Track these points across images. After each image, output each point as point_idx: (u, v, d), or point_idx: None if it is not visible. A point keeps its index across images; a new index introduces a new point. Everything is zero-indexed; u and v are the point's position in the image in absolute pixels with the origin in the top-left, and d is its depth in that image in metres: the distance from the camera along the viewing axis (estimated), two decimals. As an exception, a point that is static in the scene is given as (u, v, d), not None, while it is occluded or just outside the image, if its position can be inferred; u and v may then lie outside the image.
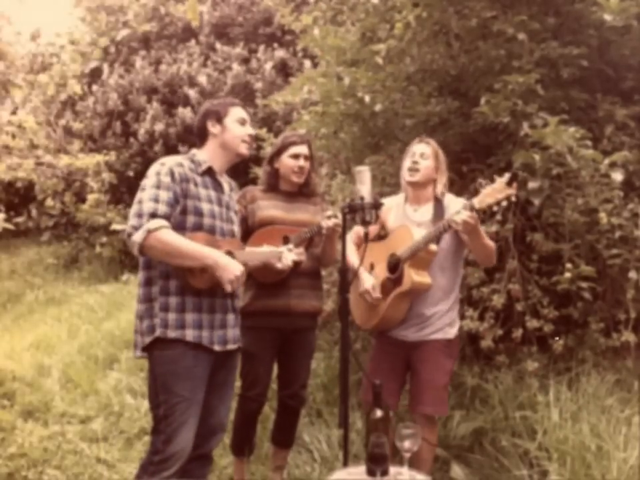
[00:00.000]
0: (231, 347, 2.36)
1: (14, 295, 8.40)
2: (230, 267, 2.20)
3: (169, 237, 2.14)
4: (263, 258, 2.51)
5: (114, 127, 9.71)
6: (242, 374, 2.94)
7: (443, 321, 2.77)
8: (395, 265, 2.76)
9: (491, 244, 2.68)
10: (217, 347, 2.29)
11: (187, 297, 2.23)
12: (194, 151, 2.45)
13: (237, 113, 2.46)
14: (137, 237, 2.12)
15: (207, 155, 2.42)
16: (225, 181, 2.49)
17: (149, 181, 2.24)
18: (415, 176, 2.77)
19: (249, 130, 2.47)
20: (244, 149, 2.45)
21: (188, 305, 2.23)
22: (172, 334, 2.20)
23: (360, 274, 2.78)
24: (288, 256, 2.51)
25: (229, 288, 2.21)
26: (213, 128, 2.42)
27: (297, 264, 2.71)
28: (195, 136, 2.50)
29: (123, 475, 3.28)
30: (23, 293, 8.49)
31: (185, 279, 2.21)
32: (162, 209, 2.17)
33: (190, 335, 2.22)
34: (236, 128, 2.43)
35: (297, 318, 2.88)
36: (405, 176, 2.82)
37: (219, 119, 2.42)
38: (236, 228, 2.49)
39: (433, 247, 2.66)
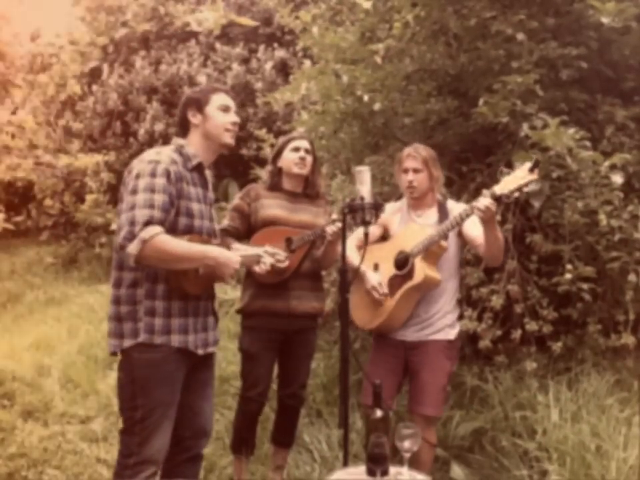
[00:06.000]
0: (211, 349, 2.30)
1: (14, 295, 8.37)
2: (230, 262, 2.16)
3: (165, 244, 2.02)
4: (241, 260, 2.45)
5: (114, 127, 9.70)
6: (242, 374, 2.94)
7: (444, 322, 2.78)
8: (403, 262, 2.77)
9: (502, 239, 2.65)
10: (200, 351, 2.23)
11: (173, 301, 2.15)
12: (180, 141, 2.29)
13: (218, 99, 2.29)
14: (132, 248, 1.98)
15: (194, 147, 2.27)
16: (208, 175, 2.37)
17: (142, 182, 2.08)
18: (414, 193, 2.85)
19: (233, 117, 2.30)
20: (228, 138, 2.29)
21: (174, 309, 2.15)
22: (158, 340, 2.12)
23: (364, 272, 2.79)
24: (267, 260, 2.43)
25: (228, 280, 2.20)
26: (193, 118, 2.27)
27: (297, 267, 2.70)
28: (177, 126, 2.36)
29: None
30: (23, 293, 8.46)
31: (179, 285, 2.13)
32: (157, 215, 2.04)
33: (176, 340, 2.15)
34: (218, 116, 2.26)
35: (297, 319, 2.88)
36: (405, 194, 2.91)
37: (200, 107, 2.26)
38: (216, 225, 2.41)
39: (444, 242, 2.71)
